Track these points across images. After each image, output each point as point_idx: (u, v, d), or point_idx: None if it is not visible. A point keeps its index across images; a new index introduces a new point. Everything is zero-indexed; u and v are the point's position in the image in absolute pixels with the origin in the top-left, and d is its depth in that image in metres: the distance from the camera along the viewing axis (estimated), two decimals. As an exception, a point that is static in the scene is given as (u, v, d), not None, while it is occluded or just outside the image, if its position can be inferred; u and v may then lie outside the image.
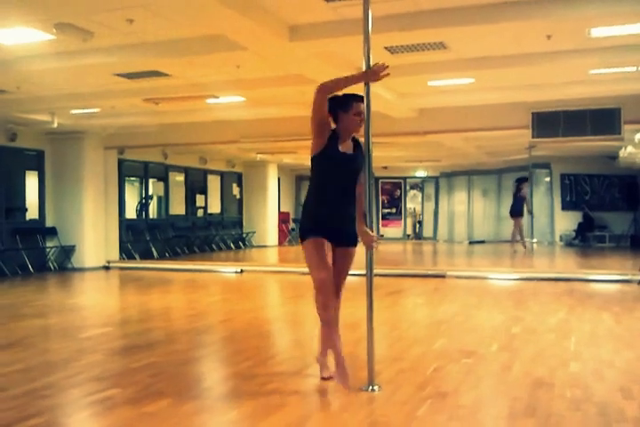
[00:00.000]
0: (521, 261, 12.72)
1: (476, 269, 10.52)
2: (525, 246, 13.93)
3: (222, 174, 17.16)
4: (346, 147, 3.74)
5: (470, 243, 18.06)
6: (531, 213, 13.94)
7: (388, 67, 3.64)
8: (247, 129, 11.07)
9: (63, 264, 11.55)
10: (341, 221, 3.75)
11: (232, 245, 16.66)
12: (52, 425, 3.11)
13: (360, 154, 3.75)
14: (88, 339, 5.28)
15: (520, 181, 14.25)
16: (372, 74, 3.66)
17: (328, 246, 3.70)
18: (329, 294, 3.61)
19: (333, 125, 3.74)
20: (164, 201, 14.86)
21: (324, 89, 3.58)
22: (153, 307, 7.17)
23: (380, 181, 20.27)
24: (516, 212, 14.04)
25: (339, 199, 3.73)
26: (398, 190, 20.77)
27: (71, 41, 5.97)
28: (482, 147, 14.13)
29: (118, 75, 7.45)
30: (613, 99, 8.82)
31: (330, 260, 3.68)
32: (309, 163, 3.77)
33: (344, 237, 3.76)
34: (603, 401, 3.36)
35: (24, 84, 7.97)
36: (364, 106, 3.69)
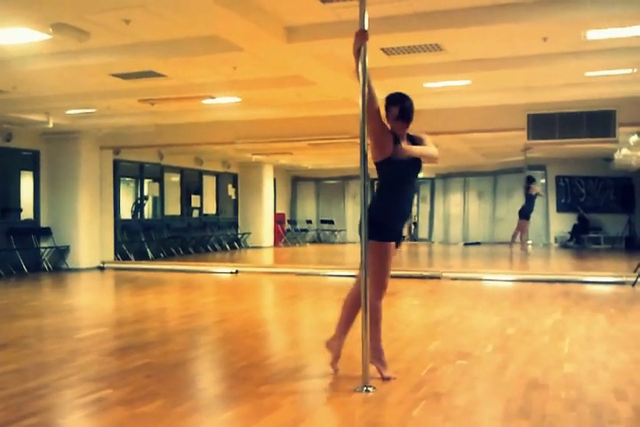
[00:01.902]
0: (516, 262, 12.74)
1: (472, 270, 10.52)
2: (526, 250, 13.80)
3: (218, 175, 17.15)
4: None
5: (466, 244, 18.07)
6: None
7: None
8: (243, 130, 11.06)
9: (57, 265, 11.52)
10: (402, 223, 3.93)
11: (227, 245, 16.64)
12: (46, 426, 3.11)
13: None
14: (82, 340, 5.27)
15: (530, 181, 13.92)
16: (360, 36, 3.66)
17: (393, 250, 3.91)
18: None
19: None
20: (159, 202, 14.84)
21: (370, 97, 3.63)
22: (148, 308, 7.16)
23: (376, 182, 20.24)
24: (525, 213, 13.80)
25: (403, 202, 3.89)
26: (394, 192, 20.72)
27: (67, 41, 5.94)
28: (477, 148, 14.14)
29: (114, 75, 7.43)
30: (609, 101, 8.84)
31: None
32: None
33: (400, 239, 4.02)
34: (597, 402, 3.37)
35: (20, 84, 7.95)
36: (395, 109, 3.74)
